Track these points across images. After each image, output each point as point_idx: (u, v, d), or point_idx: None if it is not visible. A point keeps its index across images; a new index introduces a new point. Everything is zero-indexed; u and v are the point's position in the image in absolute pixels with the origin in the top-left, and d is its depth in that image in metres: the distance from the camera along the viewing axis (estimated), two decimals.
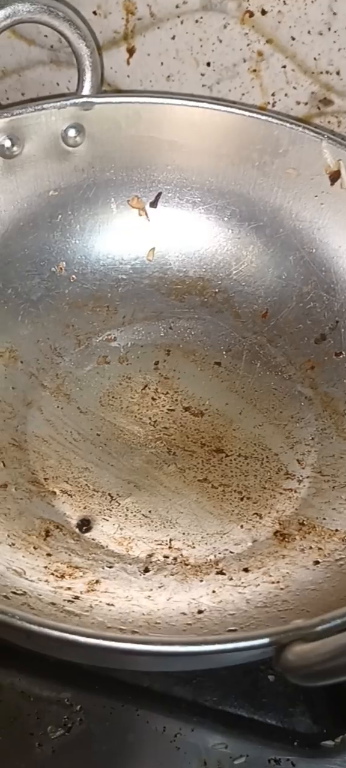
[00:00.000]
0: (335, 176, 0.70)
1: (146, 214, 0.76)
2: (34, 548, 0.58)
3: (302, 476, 0.64)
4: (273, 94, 0.75)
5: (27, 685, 0.56)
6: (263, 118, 0.71)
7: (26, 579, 0.54)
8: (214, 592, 0.56)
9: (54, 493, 0.62)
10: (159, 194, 0.75)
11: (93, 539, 0.59)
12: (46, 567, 0.56)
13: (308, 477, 0.64)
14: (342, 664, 0.37)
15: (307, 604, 0.53)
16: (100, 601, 0.54)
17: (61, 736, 0.54)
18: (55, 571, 0.56)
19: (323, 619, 0.41)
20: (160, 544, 0.59)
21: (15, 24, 0.67)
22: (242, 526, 0.60)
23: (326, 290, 0.72)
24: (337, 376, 0.70)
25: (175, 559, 0.58)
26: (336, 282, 0.72)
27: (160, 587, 0.56)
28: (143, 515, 0.61)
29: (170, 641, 0.41)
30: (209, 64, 0.75)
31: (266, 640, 0.41)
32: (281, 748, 0.54)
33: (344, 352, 0.70)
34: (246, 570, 0.57)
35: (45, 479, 0.62)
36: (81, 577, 0.56)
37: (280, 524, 0.61)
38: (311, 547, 0.59)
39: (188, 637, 0.43)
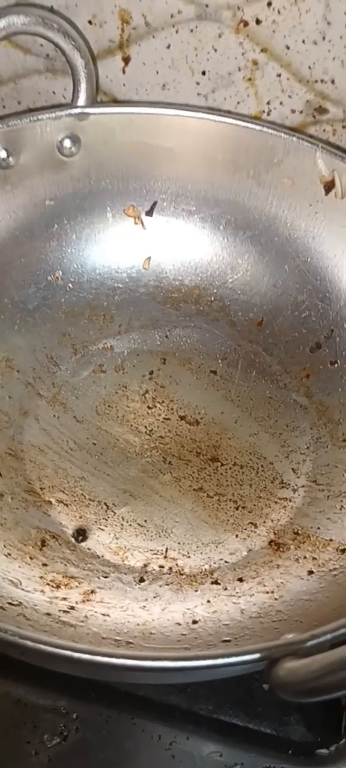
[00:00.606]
0: (329, 186, 0.70)
1: (142, 223, 0.76)
2: (30, 558, 0.58)
3: (297, 485, 0.64)
4: (268, 103, 0.76)
5: (23, 693, 0.56)
6: (258, 128, 0.72)
7: (22, 589, 0.55)
8: (209, 602, 0.56)
9: (50, 502, 0.62)
10: (155, 203, 0.76)
11: (89, 549, 0.60)
12: (41, 577, 0.57)
13: (303, 486, 0.64)
14: (333, 681, 0.38)
15: (301, 614, 0.53)
16: (96, 611, 0.55)
17: (58, 744, 0.54)
18: (50, 581, 0.56)
19: (313, 634, 0.42)
20: (156, 554, 0.59)
21: (10, 36, 0.67)
22: (237, 536, 0.61)
23: (321, 299, 0.73)
24: (332, 384, 0.70)
25: (170, 568, 0.59)
26: (331, 290, 0.72)
27: (155, 597, 0.56)
28: (139, 524, 0.61)
29: (162, 656, 0.41)
30: (204, 73, 0.75)
31: (256, 656, 0.41)
32: (276, 757, 0.55)
33: (339, 361, 0.71)
34: (241, 580, 0.58)
35: (41, 489, 0.63)
36: (77, 587, 0.56)
37: (275, 534, 0.61)
38: (305, 557, 0.59)
39: (179, 653, 0.43)
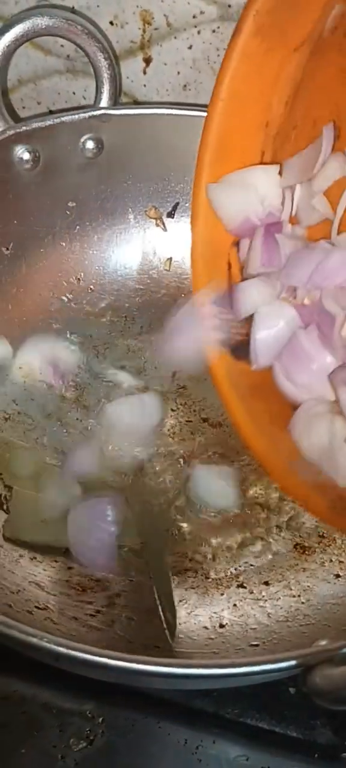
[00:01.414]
0: None
1: (164, 224, 0.76)
2: (55, 561, 0.58)
3: None
4: None
5: (50, 697, 0.56)
6: None
7: (48, 593, 0.55)
8: (235, 605, 0.56)
9: None
10: (176, 204, 0.76)
11: None
12: (67, 581, 0.57)
13: None
14: None
15: (329, 618, 0.53)
16: (122, 615, 0.55)
17: (84, 748, 0.54)
18: (76, 584, 0.56)
19: None
20: (181, 557, 0.59)
21: (34, 37, 0.67)
22: (262, 539, 0.61)
23: None
24: None
25: (195, 572, 0.58)
26: None
27: (181, 601, 0.56)
28: None
29: (196, 664, 0.41)
30: None
31: (293, 662, 0.41)
32: (302, 760, 0.55)
33: None
34: (267, 583, 0.58)
35: None
36: (102, 591, 0.56)
37: (300, 537, 0.61)
38: (331, 560, 0.59)
39: (214, 660, 0.43)
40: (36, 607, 0.52)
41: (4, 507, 0.61)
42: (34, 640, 0.42)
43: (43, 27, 0.66)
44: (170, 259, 0.76)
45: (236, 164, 0.60)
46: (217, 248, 0.61)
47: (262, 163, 0.60)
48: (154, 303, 0.76)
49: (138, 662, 0.41)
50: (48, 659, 0.46)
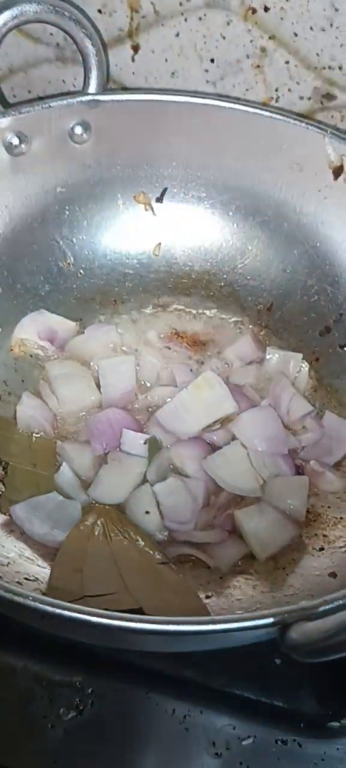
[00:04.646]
0: (338, 171, 0.71)
1: (152, 209, 0.77)
2: None
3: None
4: (277, 90, 0.76)
5: (40, 669, 0.57)
6: (267, 114, 0.72)
7: (38, 566, 0.56)
8: (221, 578, 0.57)
9: None
10: (165, 190, 0.77)
11: None
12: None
13: None
14: (343, 640, 0.39)
15: (312, 589, 0.54)
16: None
17: (73, 718, 0.55)
18: None
19: (325, 600, 0.43)
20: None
21: (22, 24, 0.68)
22: None
23: (330, 283, 0.73)
24: (341, 368, 0.71)
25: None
26: (340, 275, 0.73)
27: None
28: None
29: (177, 621, 0.42)
30: (212, 61, 0.76)
31: (270, 620, 0.42)
32: (288, 730, 0.56)
33: None
34: (252, 556, 0.59)
35: None
36: None
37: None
38: (316, 534, 0.60)
39: (196, 618, 0.44)
40: (26, 578, 0.53)
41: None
42: (19, 599, 0.43)
43: (31, 14, 0.67)
44: (159, 243, 0.77)
45: None
46: None
47: None
48: (143, 287, 0.77)
49: (119, 619, 0.42)
50: (34, 621, 0.47)
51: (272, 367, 0.70)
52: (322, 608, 0.42)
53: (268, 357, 0.71)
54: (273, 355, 0.71)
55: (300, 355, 0.71)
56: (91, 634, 0.47)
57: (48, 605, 0.42)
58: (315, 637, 0.40)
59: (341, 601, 0.42)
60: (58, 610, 0.42)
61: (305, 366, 0.71)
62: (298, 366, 0.70)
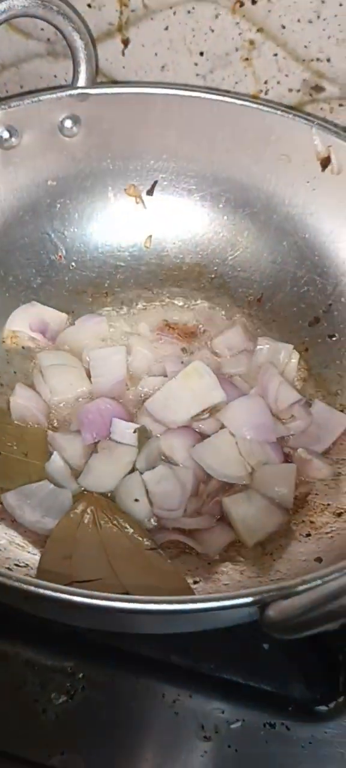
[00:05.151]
0: (325, 162, 0.72)
1: (143, 201, 0.78)
2: None
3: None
4: (266, 82, 0.77)
5: (32, 654, 0.58)
6: (255, 106, 0.73)
7: (28, 552, 0.56)
8: (209, 564, 0.58)
9: None
10: (155, 182, 0.77)
11: None
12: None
13: None
14: (320, 614, 0.40)
15: (298, 573, 0.54)
16: None
17: (65, 702, 0.56)
18: None
19: (304, 579, 0.43)
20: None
21: (10, 18, 0.69)
22: None
23: (319, 274, 0.74)
24: (330, 357, 0.72)
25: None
26: (329, 266, 0.74)
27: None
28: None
29: (159, 600, 0.43)
30: (202, 54, 0.76)
31: (249, 599, 0.43)
32: (276, 713, 0.57)
33: (336, 335, 0.72)
34: (240, 542, 0.59)
35: None
36: None
37: None
38: (303, 521, 0.61)
39: (177, 597, 0.45)
40: (16, 564, 0.54)
41: None
42: (1, 579, 0.43)
43: (19, 8, 0.67)
44: (150, 236, 0.78)
45: None
46: None
47: None
48: (134, 279, 0.77)
49: (102, 599, 0.42)
50: (21, 603, 0.48)
51: (263, 358, 0.71)
52: (300, 587, 0.43)
53: (258, 347, 0.71)
54: (264, 346, 0.71)
55: (291, 346, 0.71)
56: (76, 616, 0.48)
57: (32, 585, 0.43)
58: (290, 614, 0.41)
59: (319, 581, 0.43)
60: (42, 591, 0.43)
61: (295, 356, 0.71)
62: (288, 356, 0.71)
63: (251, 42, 0.74)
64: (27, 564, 0.55)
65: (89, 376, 0.69)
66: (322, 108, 0.77)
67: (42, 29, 0.77)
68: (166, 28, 0.75)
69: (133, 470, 0.62)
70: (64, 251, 0.76)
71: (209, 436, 0.64)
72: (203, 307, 0.76)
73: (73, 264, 0.76)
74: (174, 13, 0.74)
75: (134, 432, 0.64)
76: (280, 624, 0.42)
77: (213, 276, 0.78)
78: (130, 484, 0.61)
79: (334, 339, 0.72)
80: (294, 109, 0.77)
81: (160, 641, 0.59)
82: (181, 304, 0.76)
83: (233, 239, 0.77)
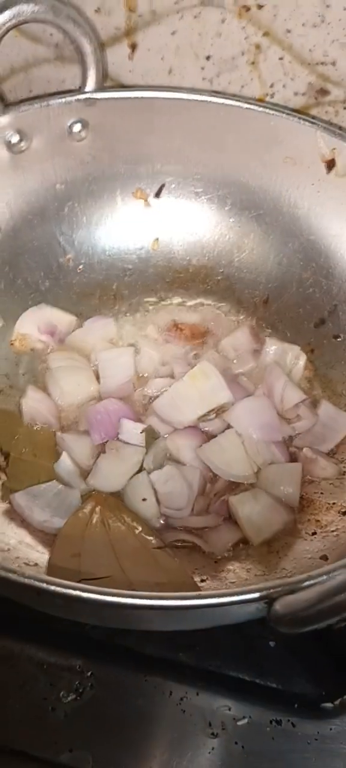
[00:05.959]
0: (330, 164, 0.72)
1: (150, 205, 0.78)
2: None
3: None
4: (272, 86, 0.78)
5: (41, 654, 0.59)
6: (260, 109, 0.73)
7: (37, 551, 0.57)
8: (216, 562, 0.58)
9: None
10: (162, 185, 0.78)
11: None
12: None
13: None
14: (324, 608, 0.40)
15: (304, 571, 0.55)
16: None
17: (73, 701, 0.57)
18: None
19: (310, 575, 0.44)
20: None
21: (20, 24, 0.70)
22: None
23: (325, 275, 0.74)
24: (335, 358, 0.72)
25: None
26: (334, 267, 0.74)
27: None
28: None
29: (166, 596, 0.44)
30: (208, 58, 0.77)
31: (256, 595, 0.44)
32: (282, 710, 0.57)
33: (342, 335, 0.73)
34: (246, 542, 0.60)
35: None
36: None
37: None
38: (309, 519, 0.61)
39: (183, 594, 0.45)
40: (25, 563, 0.55)
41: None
42: (14, 576, 0.44)
43: (29, 14, 0.68)
44: (157, 238, 0.79)
45: None
46: None
47: None
48: (142, 281, 0.78)
49: (111, 595, 0.43)
50: (31, 601, 0.48)
51: (270, 359, 0.71)
52: (307, 583, 0.43)
53: (266, 349, 0.72)
54: (271, 347, 0.72)
55: (297, 347, 0.72)
56: (85, 612, 0.49)
57: (44, 582, 0.44)
58: (297, 608, 0.42)
59: (324, 577, 0.43)
60: (53, 587, 0.43)
61: (303, 358, 0.72)
62: (295, 358, 0.71)
63: (257, 46, 0.75)
64: (36, 563, 0.55)
65: (98, 378, 0.70)
66: (327, 111, 0.78)
67: (51, 34, 0.78)
68: (173, 33, 0.76)
69: (140, 470, 0.63)
70: (72, 254, 0.77)
71: (215, 436, 0.65)
72: (210, 309, 0.77)
73: (81, 267, 0.77)
74: (181, 18, 0.75)
75: (142, 432, 0.65)
76: (287, 618, 0.43)
77: (220, 278, 0.78)
78: (138, 483, 0.62)
79: (339, 340, 0.73)
80: (299, 112, 0.77)
81: (168, 640, 0.59)
82: (188, 305, 0.77)
83: (240, 241, 0.78)
